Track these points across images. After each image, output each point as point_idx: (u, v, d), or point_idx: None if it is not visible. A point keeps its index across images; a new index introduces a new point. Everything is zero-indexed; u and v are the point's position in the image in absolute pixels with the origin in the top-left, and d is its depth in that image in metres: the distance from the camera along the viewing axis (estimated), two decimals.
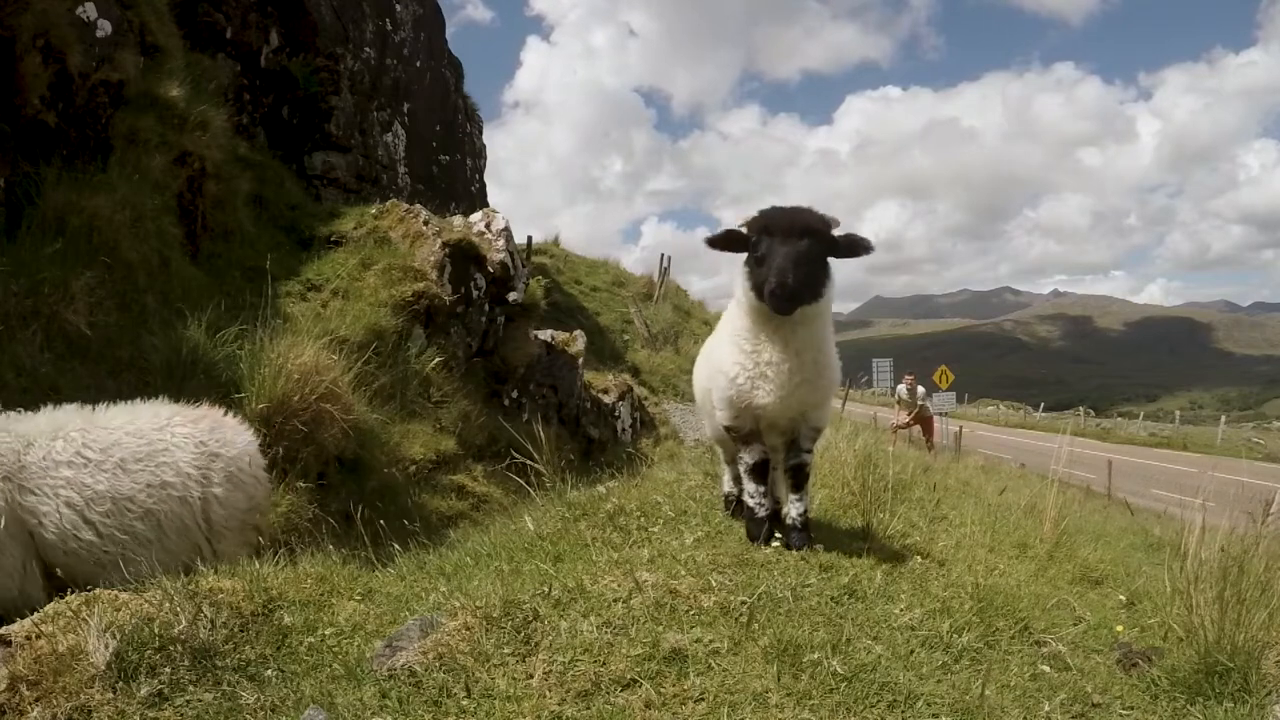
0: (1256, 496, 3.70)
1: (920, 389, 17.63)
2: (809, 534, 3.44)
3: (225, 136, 7.91)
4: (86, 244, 5.39)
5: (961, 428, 23.26)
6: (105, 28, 6.34)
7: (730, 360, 3.32)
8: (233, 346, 5.42)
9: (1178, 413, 46.80)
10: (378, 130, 12.72)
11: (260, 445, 3.93)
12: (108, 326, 5.15)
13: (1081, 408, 50.34)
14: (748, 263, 3.20)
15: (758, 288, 3.11)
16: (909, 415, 17.42)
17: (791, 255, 3.00)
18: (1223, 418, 40.89)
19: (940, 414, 19.59)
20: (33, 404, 3.43)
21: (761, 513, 3.45)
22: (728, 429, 3.49)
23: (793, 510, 3.43)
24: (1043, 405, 55.99)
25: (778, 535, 3.40)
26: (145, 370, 5.03)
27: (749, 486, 3.47)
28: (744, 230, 3.20)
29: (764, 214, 3.18)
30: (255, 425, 4.99)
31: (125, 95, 6.50)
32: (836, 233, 3.16)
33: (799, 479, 3.43)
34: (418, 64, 14.27)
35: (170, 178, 6.76)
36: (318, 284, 7.84)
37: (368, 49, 12.58)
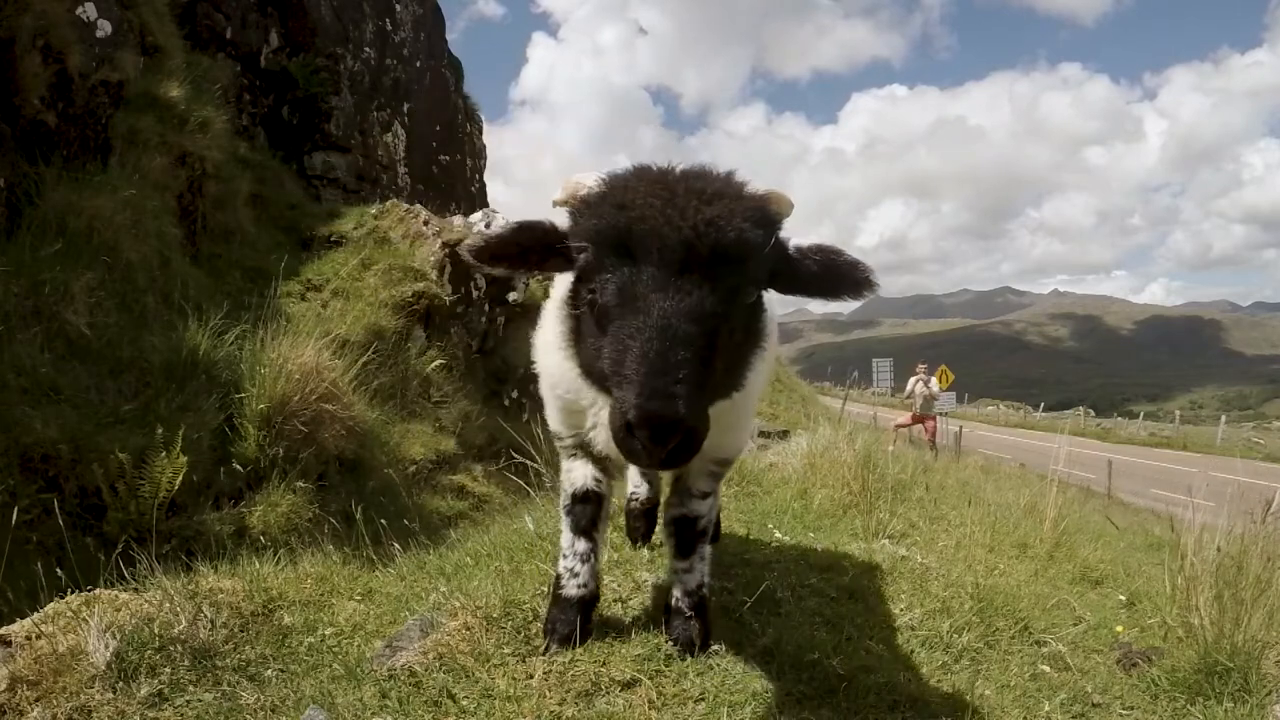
0: (1255, 496, 3.69)
1: (934, 383, 17.57)
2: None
3: (225, 137, 7.92)
4: (86, 244, 5.39)
5: (961, 428, 23.24)
6: (105, 28, 6.34)
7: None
8: (233, 347, 5.42)
9: (1178, 413, 46.75)
10: (378, 130, 12.72)
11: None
12: (108, 327, 5.15)
13: (1081, 407, 50.30)
14: None
15: None
16: (915, 412, 17.39)
17: None
18: (1223, 418, 40.85)
19: (940, 414, 19.56)
20: (33, 404, 3.42)
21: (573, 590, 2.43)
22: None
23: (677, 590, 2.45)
24: (1043, 405, 55.95)
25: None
26: (145, 370, 5.02)
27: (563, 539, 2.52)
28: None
29: None
30: (256, 425, 5.00)
31: (125, 95, 6.50)
32: None
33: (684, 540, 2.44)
34: (418, 64, 14.27)
35: (170, 178, 6.77)
36: (318, 284, 7.85)
37: (368, 49, 12.58)
